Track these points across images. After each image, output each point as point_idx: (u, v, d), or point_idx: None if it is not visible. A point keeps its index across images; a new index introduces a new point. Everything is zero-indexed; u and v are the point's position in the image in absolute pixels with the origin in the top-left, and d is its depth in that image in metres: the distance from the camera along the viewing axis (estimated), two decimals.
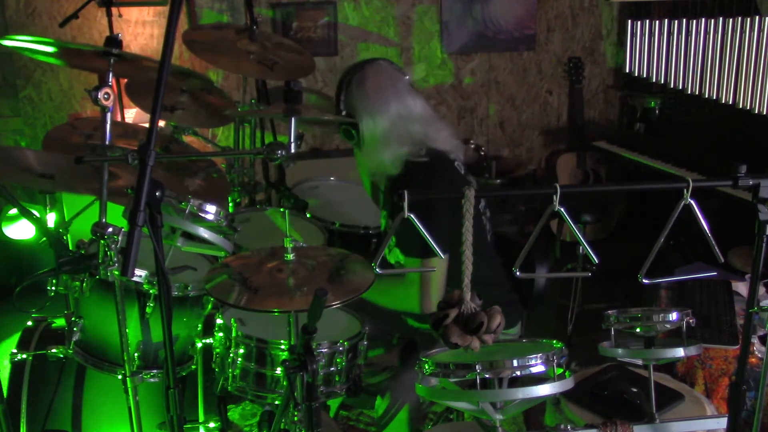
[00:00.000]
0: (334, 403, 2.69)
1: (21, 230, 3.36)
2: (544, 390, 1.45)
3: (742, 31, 3.33)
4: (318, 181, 2.99)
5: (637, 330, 1.73)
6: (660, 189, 1.64)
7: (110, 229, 1.75)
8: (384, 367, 2.48)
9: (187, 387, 2.26)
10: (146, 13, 3.98)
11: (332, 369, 1.98)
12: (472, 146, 4.60)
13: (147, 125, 1.30)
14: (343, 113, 2.17)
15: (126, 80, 2.87)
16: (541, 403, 1.90)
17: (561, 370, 1.47)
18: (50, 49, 2.14)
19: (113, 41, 1.95)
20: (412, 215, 1.38)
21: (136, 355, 2.03)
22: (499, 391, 1.49)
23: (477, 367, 1.44)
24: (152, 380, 2.05)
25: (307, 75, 3.28)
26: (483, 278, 1.69)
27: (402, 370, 2.28)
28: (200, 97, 2.68)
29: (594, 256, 1.45)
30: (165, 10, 3.99)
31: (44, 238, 2.07)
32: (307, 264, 1.85)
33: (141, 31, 4.00)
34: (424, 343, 2.22)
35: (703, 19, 3.49)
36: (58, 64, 3.06)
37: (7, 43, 2.15)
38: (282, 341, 1.95)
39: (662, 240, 1.43)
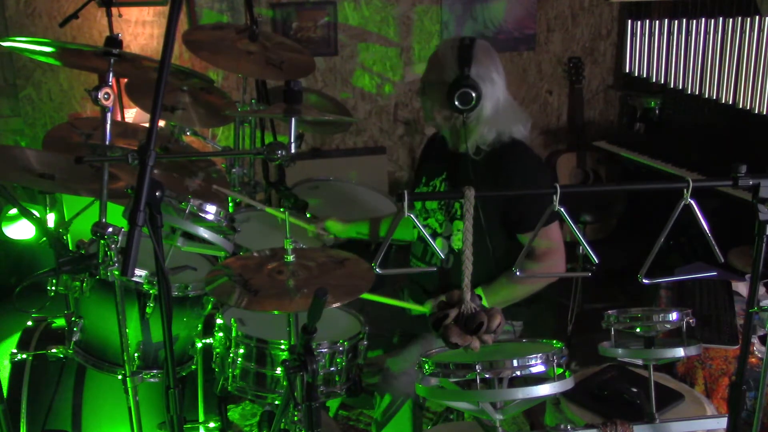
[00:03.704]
0: (334, 403, 2.69)
1: (21, 230, 3.36)
2: (544, 390, 1.45)
3: (742, 31, 3.33)
4: (318, 181, 2.99)
5: (637, 330, 1.73)
6: (660, 189, 1.64)
7: (110, 229, 1.75)
8: (384, 367, 2.48)
9: (187, 387, 2.26)
10: (146, 13, 3.98)
11: (332, 369, 1.98)
12: None
13: (147, 125, 1.30)
14: (468, 79, 2.09)
15: (126, 80, 2.87)
16: (541, 403, 1.90)
17: (561, 370, 1.47)
18: (50, 49, 2.14)
19: (113, 41, 1.95)
20: (411, 216, 1.38)
21: (136, 355, 2.03)
22: (499, 391, 1.49)
23: (477, 367, 1.44)
24: (152, 380, 2.05)
25: (307, 75, 3.28)
26: None
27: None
28: (200, 97, 2.68)
29: (594, 256, 1.45)
30: (165, 10, 3.98)
31: (44, 238, 2.07)
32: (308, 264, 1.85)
33: (141, 31, 4.00)
34: (424, 332, 2.22)
35: (703, 19, 3.49)
36: (58, 65, 3.05)
37: (6, 44, 2.15)
38: (282, 341, 1.95)
39: (662, 240, 1.43)
